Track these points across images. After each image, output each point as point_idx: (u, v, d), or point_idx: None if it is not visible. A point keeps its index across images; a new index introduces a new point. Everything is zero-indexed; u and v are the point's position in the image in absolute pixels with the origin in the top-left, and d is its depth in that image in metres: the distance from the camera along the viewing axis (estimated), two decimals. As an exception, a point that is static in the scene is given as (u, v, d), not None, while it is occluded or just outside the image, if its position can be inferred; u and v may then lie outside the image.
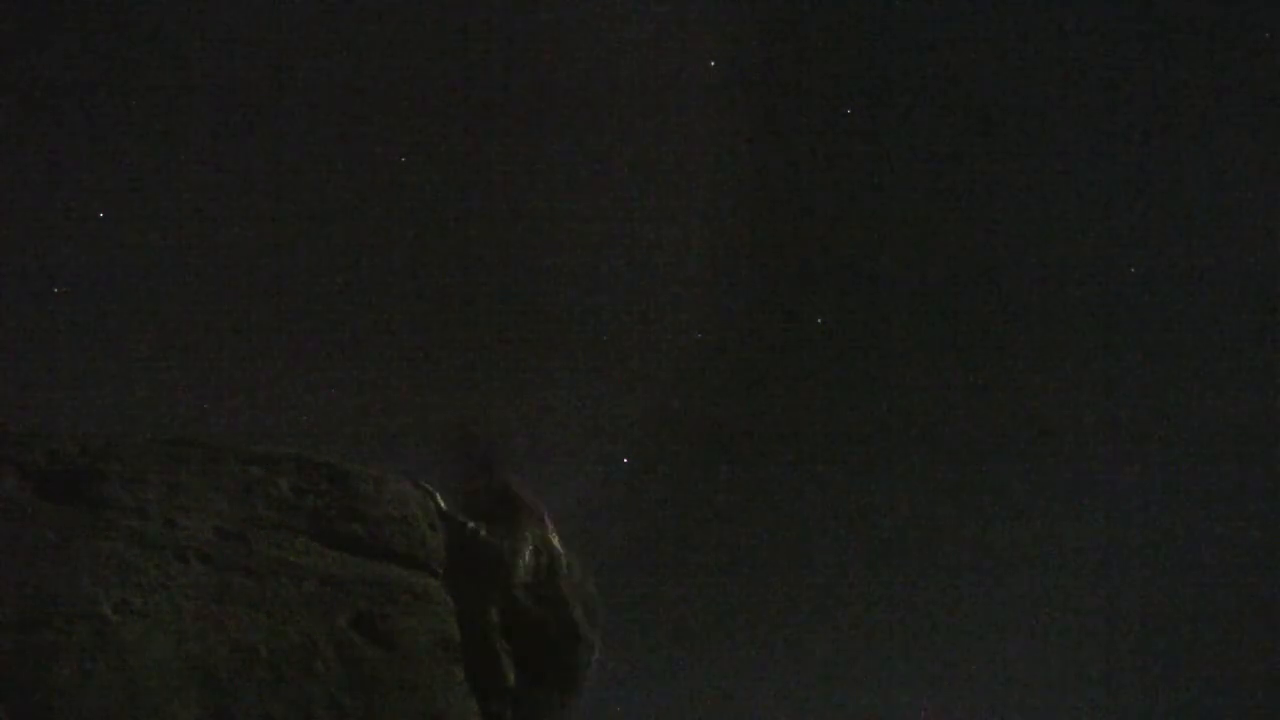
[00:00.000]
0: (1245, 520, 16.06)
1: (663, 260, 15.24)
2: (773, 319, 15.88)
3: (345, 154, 14.54)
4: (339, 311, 14.14)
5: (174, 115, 14.00)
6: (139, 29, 13.81)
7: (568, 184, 15.08)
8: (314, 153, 14.42)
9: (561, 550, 8.53)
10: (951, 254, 16.28)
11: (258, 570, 6.68)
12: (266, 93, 14.20)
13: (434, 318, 14.49)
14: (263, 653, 6.18)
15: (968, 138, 16.05)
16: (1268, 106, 15.78)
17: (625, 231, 15.20)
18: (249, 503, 7.11)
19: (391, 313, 14.36)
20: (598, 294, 15.09)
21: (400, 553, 7.25)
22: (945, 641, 15.90)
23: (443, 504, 7.96)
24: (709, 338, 15.36)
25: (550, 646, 7.85)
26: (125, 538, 6.55)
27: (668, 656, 15.08)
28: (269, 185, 14.20)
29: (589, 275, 15.07)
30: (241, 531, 6.90)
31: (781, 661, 15.56)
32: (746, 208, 15.40)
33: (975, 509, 16.08)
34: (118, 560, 6.39)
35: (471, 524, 7.98)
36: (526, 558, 8.14)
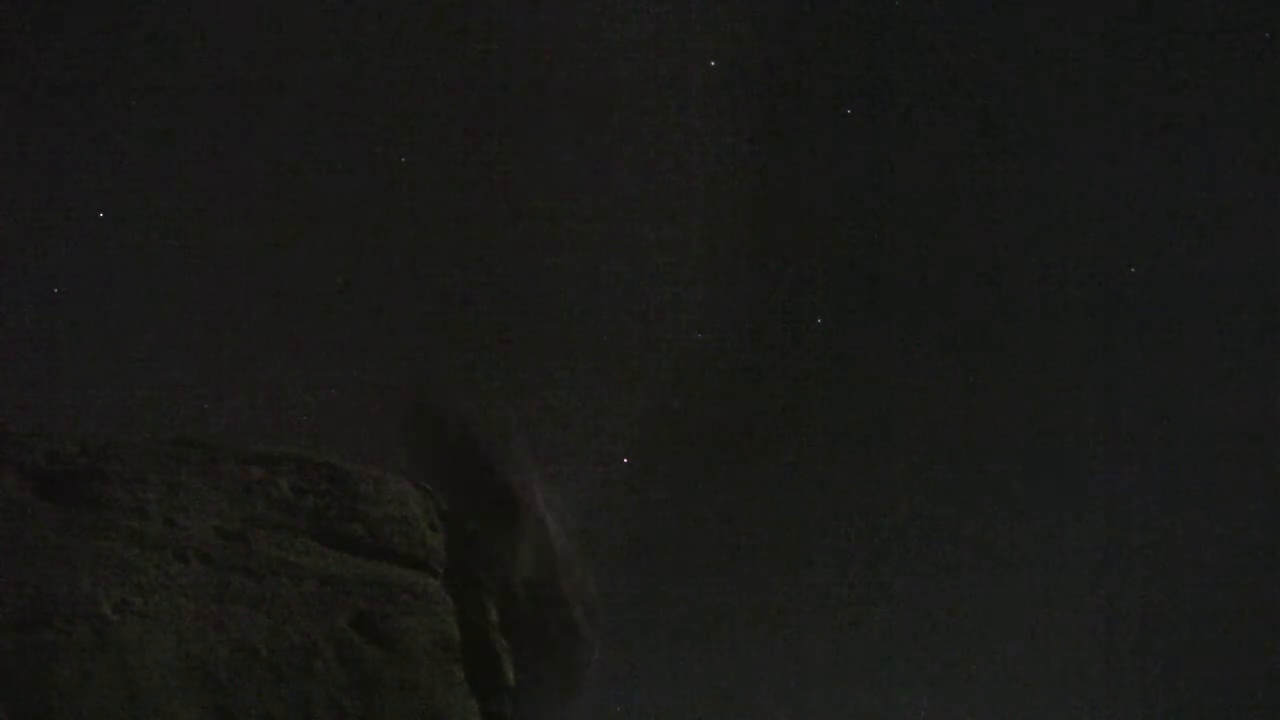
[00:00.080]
0: (1245, 520, 16.07)
1: (663, 260, 15.24)
2: (773, 319, 15.88)
3: (345, 154, 14.55)
4: (339, 311, 14.14)
5: (174, 115, 14.01)
6: (139, 29, 13.81)
7: (568, 184, 15.08)
8: (314, 153, 14.43)
9: (561, 550, 8.55)
10: (951, 254, 16.29)
11: (258, 570, 6.69)
12: (266, 93, 14.21)
13: (434, 318, 14.49)
14: (263, 653, 6.18)
15: (968, 138, 16.05)
16: (1268, 106, 15.78)
17: (625, 231, 15.21)
18: (249, 503, 7.12)
19: (392, 313, 14.36)
20: (598, 294, 15.09)
21: (400, 553, 7.26)
22: (945, 641, 15.90)
23: (443, 504, 7.97)
24: (709, 338, 15.37)
25: (550, 646, 7.85)
26: (125, 538, 6.55)
27: (668, 656, 15.09)
28: (269, 185, 14.20)
29: (589, 275, 15.07)
30: (241, 531, 6.91)
31: (781, 661, 15.57)
32: (746, 208, 15.40)
33: (975, 509, 16.09)
34: (118, 560, 6.39)
35: (471, 524, 7.98)
36: (526, 557, 8.16)
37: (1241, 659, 15.82)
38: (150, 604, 6.12)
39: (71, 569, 6.14)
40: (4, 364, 12.49)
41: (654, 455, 14.90)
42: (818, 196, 16.09)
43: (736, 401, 15.89)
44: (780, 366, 15.96)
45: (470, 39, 14.75)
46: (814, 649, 15.54)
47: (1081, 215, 16.28)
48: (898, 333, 16.23)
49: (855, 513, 15.99)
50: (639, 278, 15.16)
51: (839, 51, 15.66)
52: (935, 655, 15.79)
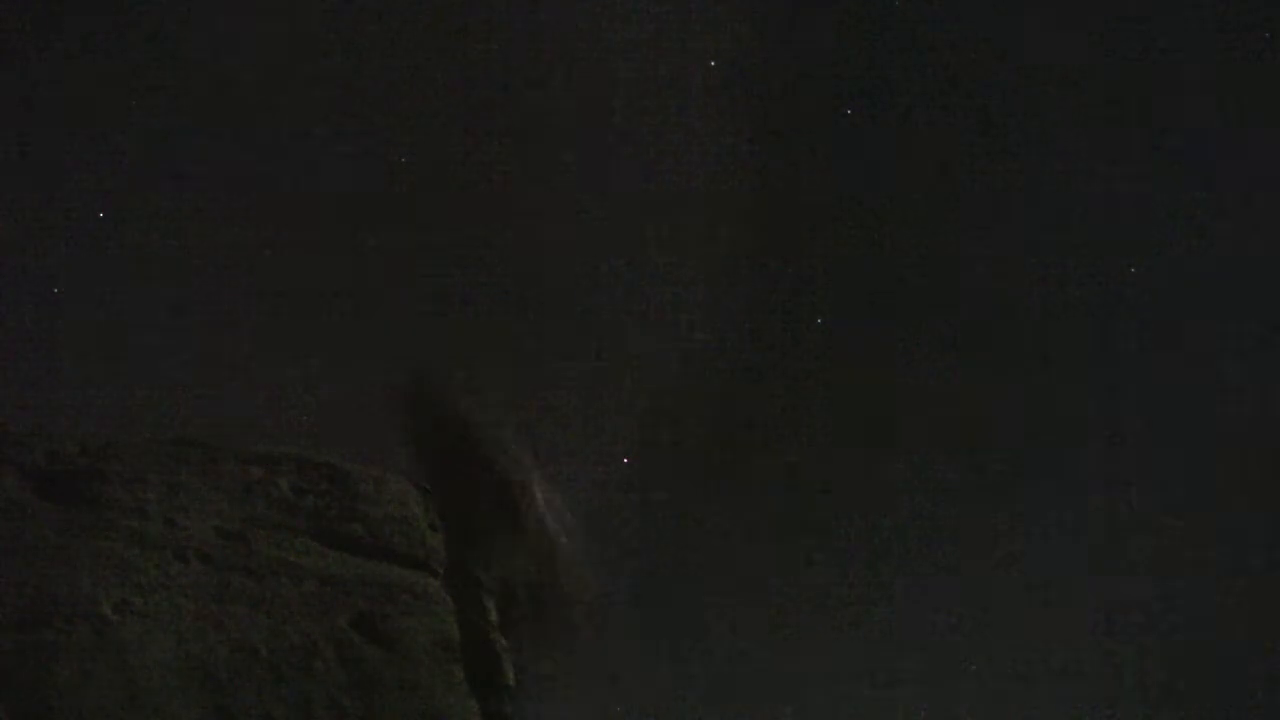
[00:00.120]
0: (1245, 520, 16.06)
1: (663, 260, 15.24)
2: (773, 319, 15.87)
3: (345, 154, 14.54)
4: (339, 311, 14.14)
5: (174, 115, 14.01)
6: (139, 29, 13.81)
7: (567, 184, 15.08)
8: (314, 153, 14.43)
9: (561, 550, 8.54)
10: (951, 254, 16.28)
11: (258, 570, 6.69)
12: (266, 93, 14.20)
13: (434, 318, 14.48)
14: (263, 653, 6.19)
15: (968, 137, 16.05)
16: (1268, 106, 15.78)
17: (625, 231, 15.21)
18: (249, 503, 7.12)
19: (392, 313, 14.36)
20: (598, 294, 15.08)
21: (400, 553, 7.26)
22: (945, 641, 15.90)
23: (443, 504, 7.97)
24: (709, 338, 15.36)
25: (550, 646, 7.85)
26: (125, 538, 6.56)
27: (668, 656, 15.08)
28: (269, 185, 14.20)
29: (589, 275, 15.07)
30: (241, 531, 6.91)
31: (781, 661, 15.56)
32: (746, 208, 15.40)
33: (975, 509, 16.08)
34: (118, 560, 6.39)
35: (471, 524, 7.97)
36: (526, 557, 8.15)
37: (1241, 659, 15.82)
38: (150, 604, 6.11)
39: (71, 569, 6.14)
40: (4, 364, 12.49)
41: (654, 455, 14.89)
42: (818, 196, 16.08)
43: (736, 401, 15.89)
44: (780, 366, 15.96)
45: (470, 39, 14.75)
46: (814, 649, 15.54)
47: (1081, 215, 16.28)
48: (898, 333, 16.23)
49: (855, 513, 15.98)
50: (639, 278, 15.16)
51: (839, 51, 15.66)
52: (935, 655, 15.79)
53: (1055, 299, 16.22)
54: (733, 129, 15.21)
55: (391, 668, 6.41)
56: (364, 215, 14.56)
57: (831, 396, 16.10)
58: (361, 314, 14.20)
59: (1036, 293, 16.21)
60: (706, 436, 15.66)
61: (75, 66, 13.56)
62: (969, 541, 15.97)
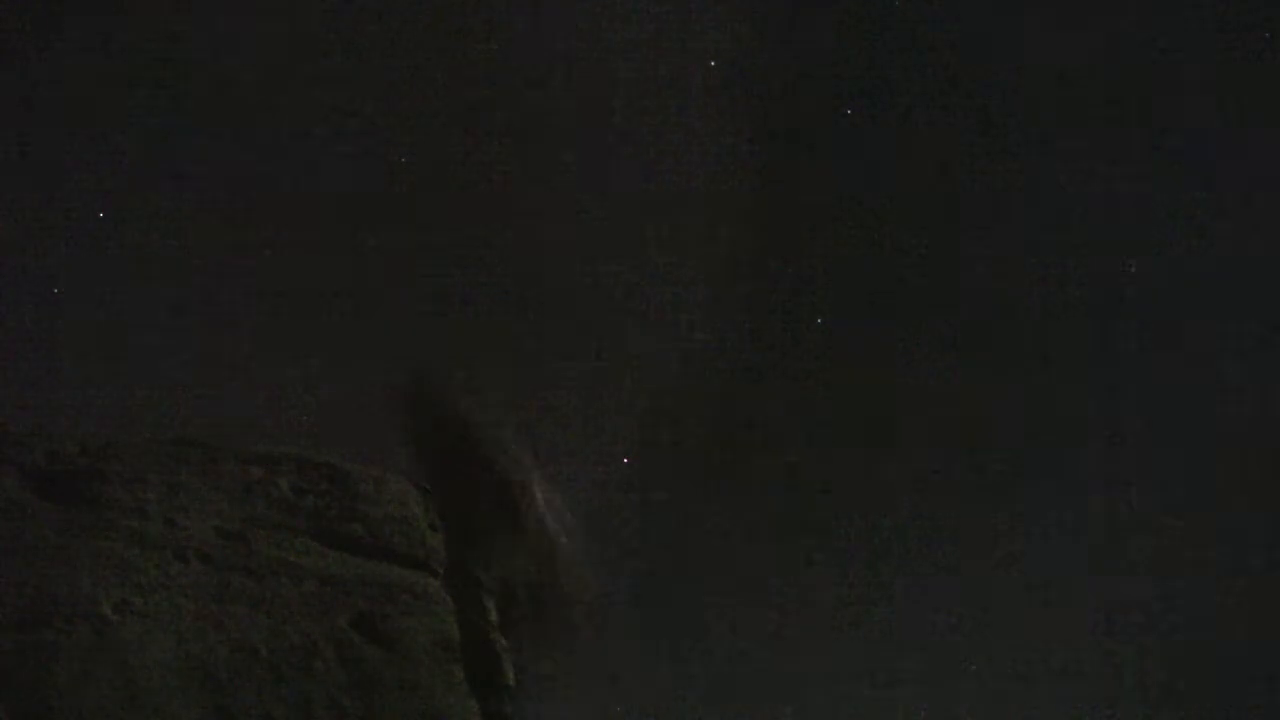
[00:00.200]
0: (1245, 520, 16.06)
1: (663, 260, 15.24)
2: (773, 319, 15.87)
3: (345, 154, 14.54)
4: (339, 311, 14.14)
5: (174, 115, 14.01)
6: (139, 29, 13.81)
7: (567, 184, 15.08)
8: (314, 153, 14.43)
9: (561, 550, 8.55)
10: (951, 254, 16.28)
11: (258, 570, 6.69)
12: (266, 93, 14.20)
13: (434, 318, 14.48)
14: (263, 653, 6.19)
15: (968, 138, 16.05)
16: (1268, 106, 15.78)
17: (625, 231, 15.21)
18: (249, 503, 7.12)
19: (392, 313, 14.36)
20: (598, 294, 15.09)
21: (400, 553, 7.26)
22: (945, 641, 15.89)
23: (443, 504, 7.96)
24: (709, 338, 15.36)
25: (550, 646, 7.85)
26: (125, 538, 6.56)
27: (668, 656, 15.08)
28: (269, 185, 14.20)
29: (589, 275, 15.07)
30: (241, 531, 6.91)
31: (782, 660, 15.56)
32: (746, 208, 15.40)
33: (975, 509, 16.08)
34: (118, 560, 6.39)
35: (471, 523, 7.97)
36: (526, 557, 8.16)
37: (1241, 659, 15.81)
38: (150, 604, 6.11)
39: (71, 569, 6.14)
40: (4, 364, 12.49)
41: (654, 455, 14.89)
42: (818, 196, 16.08)
43: (736, 401, 15.89)
44: (780, 366, 15.96)
45: (470, 39, 14.75)
46: (814, 649, 15.54)
47: (1081, 215, 16.28)
48: (898, 333, 16.23)
49: (855, 513, 15.98)
50: (639, 278, 15.16)
51: (839, 51, 15.66)
52: (935, 655, 15.79)
53: (1055, 299, 16.22)
54: (733, 129, 15.22)
55: (391, 668, 6.41)
56: (364, 215, 14.57)
57: (831, 396, 16.10)
58: (361, 314, 14.20)
59: (1036, 293, 16.21)
60: (706, 436, 15.66)
61: (75, 66, 13.56)
62: (969, 541, 15.96)
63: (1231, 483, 16.06)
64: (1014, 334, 16.23)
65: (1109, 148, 16.06)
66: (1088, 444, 16.26)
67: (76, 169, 13.55)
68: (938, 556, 16.01)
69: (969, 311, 16.28)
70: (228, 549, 6.67)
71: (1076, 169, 16.12)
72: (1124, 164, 16.06)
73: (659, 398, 14.96)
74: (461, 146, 14.83)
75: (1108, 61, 15.86)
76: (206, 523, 6.77)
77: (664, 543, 15.30)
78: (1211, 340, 16.19)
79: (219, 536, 6.73)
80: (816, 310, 15.91)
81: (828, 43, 15.61)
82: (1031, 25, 15.64)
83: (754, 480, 15.91)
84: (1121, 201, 16.11)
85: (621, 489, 14.36)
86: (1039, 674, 15.77)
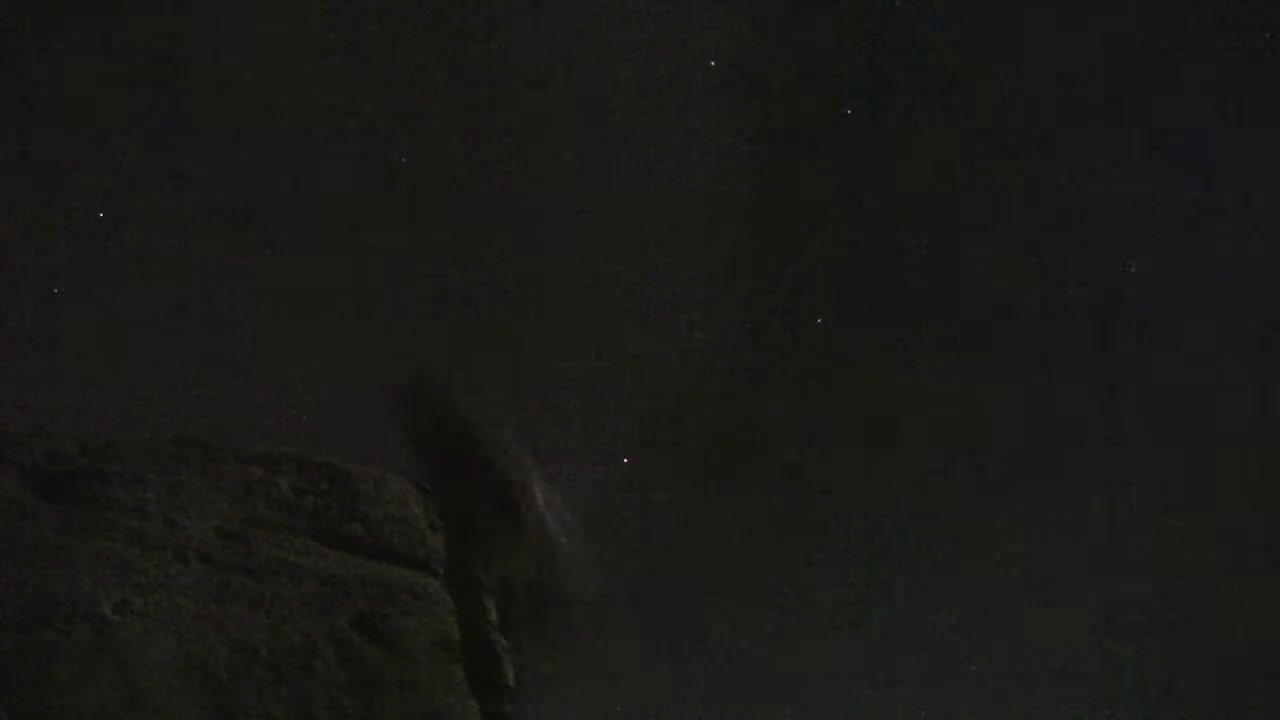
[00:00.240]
0: (1245, 520, 16.05)
1: (663, 260, 15.24)
2: (773, 319, 15.87)
3: (345, 154, 14.54)
4: (339, 311, 14.14)
5: (174, 115, 14.01)
6: (139, 29, 13.81)
7: (567, 184, 15.08)
8: (314, 152, 14.43)
9: (561, 550, 8.56)
10: (951, 254, 16.28)
11: (258, 570, 6.69)
12: (266, 93, 14.20)
13: (434, 318, 14.48)
14: (263, 653, 6.19)
15: (968, 138, 16.05)
16: (1268, 106, 15.78)
17: (625, 231, 15.21)
18: (249, 503, 7.12)
19: (392, 313, 14.35)
20: (598, 294, 15.09)
21: (400, 553, 7.26)
22: (945, 641, 15.89)
23: (443, 504, 7.96)
24: (709, 338, 15.36)
25: (550, 646, 7.85)
26: (125, 538, 6.56)
27: (668, 656, 15.08)
28: (269, 185, 14.20)
29: (589, 275, 15.07)
30: (241, 531, 6.91)
31: (782, 660, 15.55)
32: (746, 208, 15.40)
33: (975, 509, 16.07)
34: (118, 560, 6.39)
35: (471, 523, 7.97)
36: (526, 557, 8.16)
37: (1241, 659, 15.81)
38: (150, 604, 6.11)
39: (71, 569, 6.14)
40: (4, 364, 12.49)
41: (654, 455, 14.89)
42: (818, 196, 16.08)
43: (736, 401, 15.89)
44: (780, 366, 15.96)
45: (470, 39, 14.75)
46: (814, 649, 15.53)
47: (1081, 215, 16.27)
48: (898, 333, 16.23)
49: (855, 513, 15.98)
50: (639, 278, 15.16)
51: (839, 51, 15.66)
52: (935, 655, 15.79)
53: (1055, 299, 16.22)
54: (733, 129, 15.21)
55: (391, 668, 6.41)
56: (364, 215, 14.56)
57: (831, 396, 16.09)
58: (361, 314, 14.20)
59: (1036, 293, 16.21)
60: (706, 436, 15.66)
61: (75, 66, 13.56)
62: (969, 541, 15.96)
63: (1231, 483, 16.06)
64: (1014, 334, 16.23)
65: (1109, 148, 16.06)
66: (1088, 444, 16.26)
67: (76, 169, 13.55)
68: (938, 556, 16.01)
69: (969, 311, 16.28)
70: (228, 549, 6.67)
71: (1076, 169, 16.12)
72: (1124, 164, 16.06)
73: (659, 398, 14.96)
74: (461, 146, 14.83)
75: (1108, 61, 15.86)
76: (206, 523, 6.77)
77: (664, 543, 15.30)
78: (1211, 340, 16.19)
79: (219, 536, 6.73)
80: (816, 310, 15.91)
81: (828, 43, 15.61)
82: (1031, 25, 15.64)
83: (754, 480, 15.91)
84: (1121, 201, 16.11)
85: (621, 489, 14.36)
86: (1039, 674, 15.77)
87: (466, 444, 9.25)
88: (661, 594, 15.17)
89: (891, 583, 15.95)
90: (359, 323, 14.14)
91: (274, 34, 14.10)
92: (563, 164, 15.03)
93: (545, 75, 14.96)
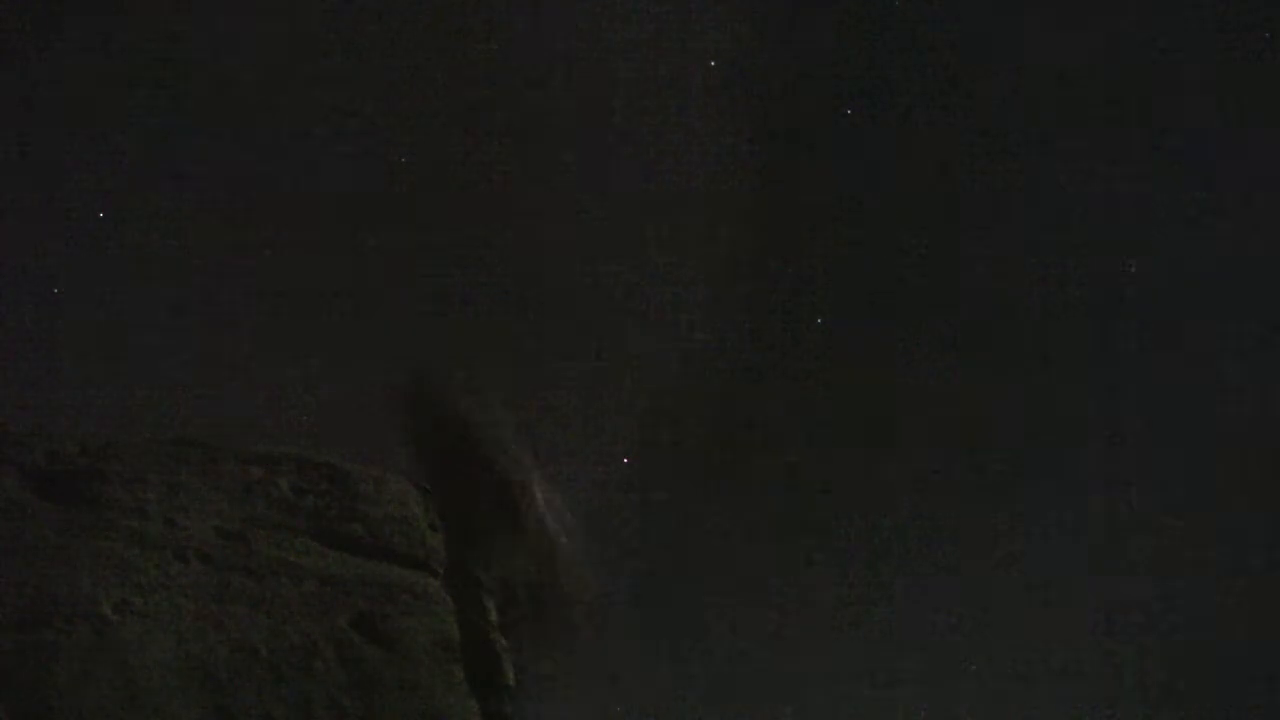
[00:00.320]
0: (1245, 520, 16.05)
1: (663, 260, 15.24)
2: (773, 319, 15.87)
3: (345, 154, 14.54)
4: (339, 311, 14.14)
5: (174, 115, 14.01)
6: (139, 29, 13.81)
7: (568, 184, 15.08)
8: (314, 152, 14.43)
9: (562, 550, 8.56)
10: (951, 254, 16.28)
11: (258, 570, 6.69)
12: (266, 93, 14.20)
13: (434, 318, 14.48)
14: (263, 653, 6.19)
15: (968, 138, 16.05)
16: (1268, 106, 15.78)
17: (625, 231, 15.21)
18: (249, 503, 7.12)
19: (392, 312, 14.36)
20: (598, 294, 15.09)
21: (400, 553, 7.26)
22: (945, 641, 15.89)
23: (443, 504, 7.96)
24: (709, 337, 15.36)
25: (550, 646, 7.86)
26: (125, 538, 6.56)
27: (668, 656, 15.08)
28: (269, 185, 14.20)
29: (589, 275, 15.07)
30: (241, 531, 6.91)
31: (782, 661, 15.55)
32: (746, 208, 15.39)
33: (975, 509, 16.07)
34: (118, 560, 6.39)
35: (472, 524, 7.98)
36: (526, 557, 8.17)
37: (1241, 659, 15.81)
38: (150, 604, 6.11)
39: (71, 569, 6.14)
40: (4, 364, 12.49)
41: (654, 455, 14.89)
42: (818, 196, 16.08)
43: (736, 401, 15.89)
44: (780, 366, 15.96)
45: (470, 39, 14.75)
46: (814, 649, 15.54)
47: (1081, 215, 16.27)
48: (898, 333, 16.23)
49: (855, 513, 15.98)
50: (639, 278, 15.16)
51: (839, 51, 15.65)
52: (935, 655, 15.79)
53: (1055, 299, 16.22)
54: (733, 129, 15.21)
55: (391, 668, 6.41)
56: (364, 215, 14.56)
57: (831, 396, 16.10)
58: (361, 314, 14.20)
59: (1036, 293, 16.21)
60: (706, 436, 15.66)
61: (75, 66, 13.56)
62: (969, 541, 15.97)
63: (1231, 483, 16.06)
64: (1014, 334, 16.23)
65: (1109, 148, 16.06)
66: (1088, 444, 16.26)
67: (76, 169, 13.55)
68: (938, 556, 16.02)
69: (969, 311, 16.28)
70: (228, 549, 6.67)
71: (1076, 169, 16.12)
72: (1124, 164, 16.06)
73: (659, 398, 14.96)
74: (461, 146, 14.83)
75: (1108, 61, 15.86)
76: (206, 523, 6.77)
77: (664, 543, 15.30)
78: (1211, 340, 16.19)
79: (219, 536, 6.73)
80: (816, 310, 15.91)
81: (828, 43, 15.61)
82: (1031, 25, 15.64)
83: (754, 480, 15.91)
84: (1121, 201, 16.11)
85: (621, 489, 14.36)
86: (1039, 674, 15.77)
87: (466, 444, 9.26)
88: (661, 594, 15.17)
89: (891, 583, 15.95)
90: (359, 323, 14.15)
91: (274, 34, 14.10)
92: (563, 164, 15.04)
93: (545, 75, 14.96)
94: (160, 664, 5.88)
